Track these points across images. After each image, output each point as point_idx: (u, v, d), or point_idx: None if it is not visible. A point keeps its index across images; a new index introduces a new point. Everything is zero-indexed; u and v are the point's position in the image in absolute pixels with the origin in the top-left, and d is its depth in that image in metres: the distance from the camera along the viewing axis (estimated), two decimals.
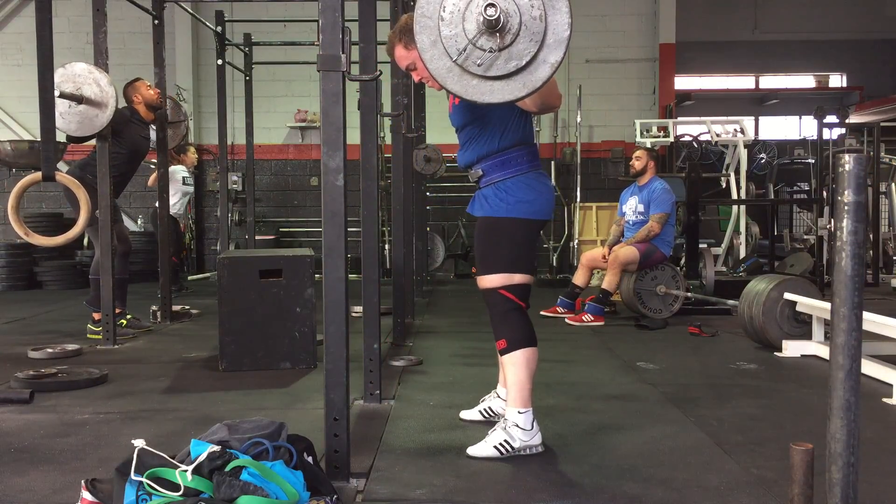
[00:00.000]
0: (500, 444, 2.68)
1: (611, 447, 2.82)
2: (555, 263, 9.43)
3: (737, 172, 8.90)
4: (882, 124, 8.66)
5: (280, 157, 10.63)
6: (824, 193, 7.67)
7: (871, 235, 8.12)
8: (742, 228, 8.65)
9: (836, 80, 12.16)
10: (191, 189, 7.98)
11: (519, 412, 2.70)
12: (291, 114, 10.45)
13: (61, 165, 6.84)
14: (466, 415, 3.18)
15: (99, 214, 4.86)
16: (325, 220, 2.34)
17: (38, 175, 4.47)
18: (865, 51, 11.79)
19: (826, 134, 8.00)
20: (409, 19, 2.69)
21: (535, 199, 2.75)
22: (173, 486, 1.92)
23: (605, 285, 5.85)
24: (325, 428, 2.37)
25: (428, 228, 8.60)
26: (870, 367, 3.81)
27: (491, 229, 2.77)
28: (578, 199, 9.53)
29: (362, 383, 3.40)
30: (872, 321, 3.87)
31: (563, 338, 5.23)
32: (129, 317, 5.39)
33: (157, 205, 6.36)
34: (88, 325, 5.23)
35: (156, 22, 5.89)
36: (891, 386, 3.53)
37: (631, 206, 6.17)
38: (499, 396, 3.12)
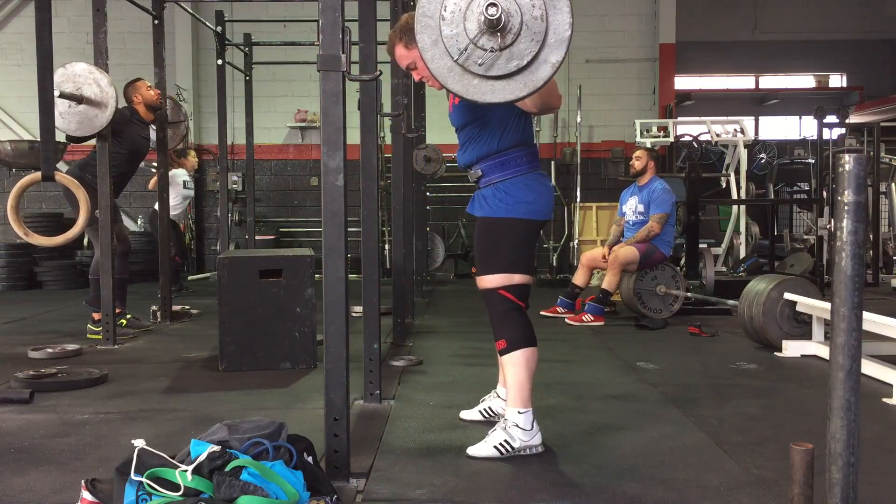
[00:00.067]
0: (500, 444, 2.68)
1: (611, 447, 2.82)
2: (555, 263, 9.43)
3: (737, 172, 8.90)
4: (882, 124, 8.66)
5: (280, 157, 10.63)
6: (824, 193, 7.67)
7: (871, 235, 8.12)
8: (742, 228, 8.65)
9: (836, 80, 12.17)
10: (191, 193, 7.99)
11: (519, 412, 2.70)
12: (291, 114, 10.46)
13: (61, 165, 6.85)
14: (466, 415, 3.18)
15: (99, 214, 4.86)
16: (325, 220, 2.34)
17: (37, 175, 4.47)
18: (865, 51, 11.79)
19: (826, 134, 8.00)
20: (409, 18, 2.69)
21: (535, 200, 2.75)
22: (173, 486, 1.92)
23: (605, 285, 5.85)
24: (325, 428, 2.37)
25: (428, 228, 8.60)
26: (870, 367, 3.81)
27: (490, 230, 2.77)
28: (578, 199, 9.53)
29: (362, 383, 3.40)
30: (872, 321, 3.86)
31: (563, 338, 5.23)
32: (129, 317, 5.39)
33: (156, 206, 6.37)
34: (88, 325, 5.23)
35: (156, 22, 5.89)
36: (891, 386, 3.53)
37: (631, 206, 6.17)
38: (499, 396, 3.12)
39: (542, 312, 6.04)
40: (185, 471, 1.94)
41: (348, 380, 2.38)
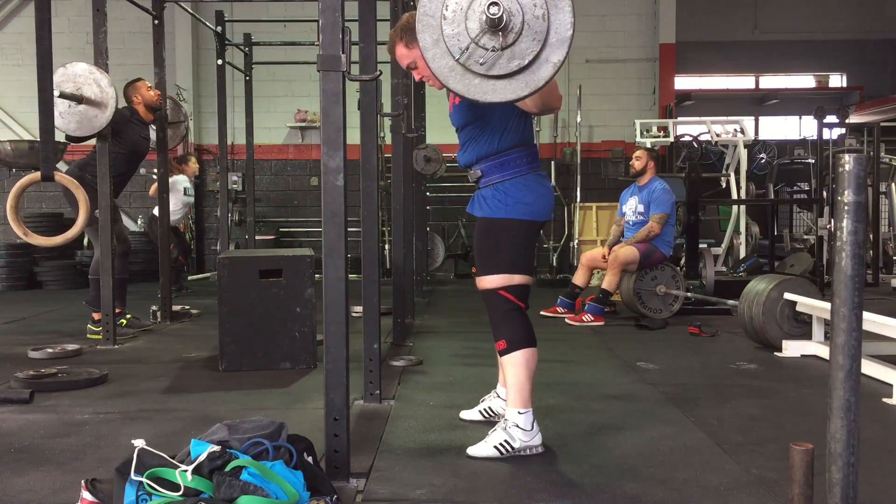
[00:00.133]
0: (501, 444, 2.68)
1: (611, 447, 2.82)
2: (555, 263, 9.43)
3: (737, 172, 8.90)
4: (882, 124, 8.66)
5: (280, 157, 10.63)
6: (824, 193, 7.67)
7: (871, 235, 8.13)
8: (742, 228, 8.65)
9: (836, 80, 12.16)
10: (191, 200, 8.00)
11: (519, 412, 2.70)
12: (291, 114, 10.46)
13: (61, 165, 6.85)
14: (466, 415, 3.18)
15: (98, 214, 4.86)
16: (325, 220, 2.34)
17: (36, 175, 4.47)
18: (865, 51, 11.79)
19: (826, 134, 8.00)
20: (410, 18, 2.69)
21: (535, 201, 2.75)
22: (173, 486, 1.92)
23: (605, 285, 5.85)
24: (325, 428, 2.36)
25: (428, 228, 8.60)
26: (870, 367, 3.81)
27: (490, 230, 2.77)
28: (578, 199, 9.53)
29: (362, 383, 3.40)
30: (872, 321, 3.86)
31: (563, 338, 5.23)
32: (128, 316, 5.39)
33: (155, 212, 6.37)
34: (88, 325, 5.23)
35: (156, 22, 5.89)
36: (891, 386, 3.53)
37: (631, 206, 6.17)
38: (498, 396, 3.12)
39: (542, 312, 6.04)
40: (185, 471, 1.94)
41: (348, 380, 2.38)
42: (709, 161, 9.77)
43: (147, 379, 3.99)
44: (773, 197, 9.96)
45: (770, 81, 12.28)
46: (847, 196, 1.53)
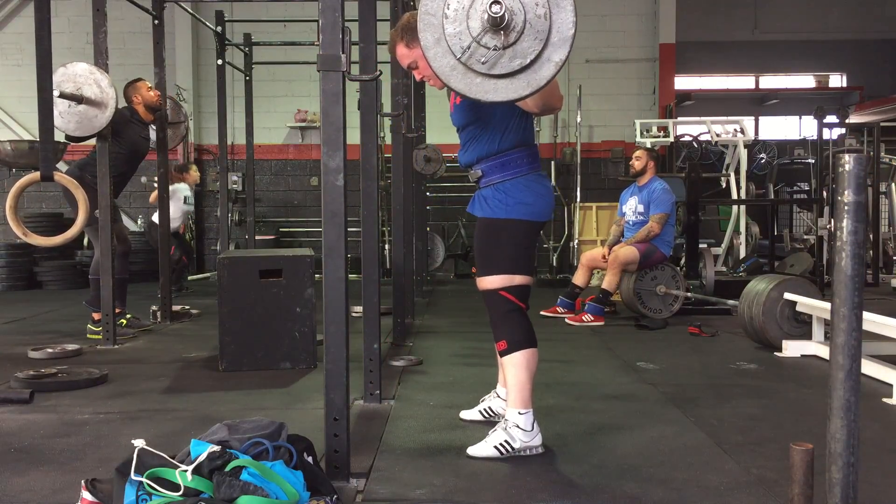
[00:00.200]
0: (501, 444, 2.68)
1: (611, 447, 2.82)
2: (555, 263, 9.43)
3: (737, 172, 8.90)
4: (882, 124, 8.66)
5: (280, 157, 10.63)
6: (824, 193, 7.67)
7: (871, 235, 8.13)
8: (742, 228, 8.65)
9: (836, 80, 12.16)
10: (191, 208, 8.01)
11: (519, 413, 2.70)
12: (291, 114, 10.46)
13: (61, 165, 6.85)
14: (466, 415, 3.18)
15: (98, 214, 4.86)
16: (325, 220, 2.34)
17: (36, 175, 4.47)
18: (865, 51, 11.79)
19: (826, 134, 8.00)
20: (411, 17, 2.69)
21: (535, 202, 2.75)
22: (173, 486, 1.92)
23: (605, 285, 5.85)
24: (325, 428, 2.36)
25: (428, 228, 8.60)
26: (870, 367, 3.81)
27: (491, 230, 2.77)
28: (578, 199, 9.53)
29: (362, 383, 3.40)
30: (872, 321, 3.86)
31: (563, 338, 5.23)
32: (128, 316, 5.39)
33: (154, 218, 6.37)
34: (88, 325, 5.23)
35: (156, 22, 5.89)
36: (891, 386, 3.53)
37: (631, 206, 6.17)
38: (499, 396, 3.12)
39: (542, 312, 6.04)
40: (185, 471, 1.94)
41: (348, 380, 2.38)
42: (709, 161, 9.77)
43: (147, 379, 3.99)
44: (773, 197, 9.96)
45: (770, 81, 12.28)
46: (847, 196, 1.53)
